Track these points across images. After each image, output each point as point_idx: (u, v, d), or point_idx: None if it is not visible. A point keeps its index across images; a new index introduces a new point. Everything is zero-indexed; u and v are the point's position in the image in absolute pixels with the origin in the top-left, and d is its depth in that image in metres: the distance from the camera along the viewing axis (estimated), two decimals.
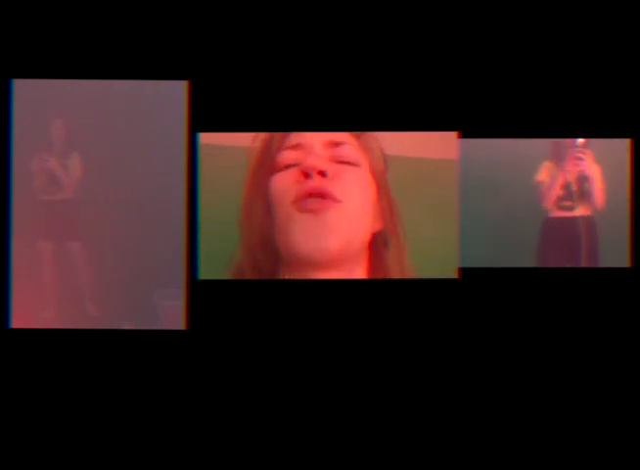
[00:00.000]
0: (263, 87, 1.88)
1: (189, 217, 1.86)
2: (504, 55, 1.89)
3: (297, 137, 1.65)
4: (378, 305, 1.86)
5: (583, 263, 1.90)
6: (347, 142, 1.65)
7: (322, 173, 1.57)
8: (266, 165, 1.64)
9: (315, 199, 1.56)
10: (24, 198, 1.87)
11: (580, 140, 1.89)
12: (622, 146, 1.90)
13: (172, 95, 1.87)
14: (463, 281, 1.86)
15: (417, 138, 1.86)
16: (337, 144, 1.64)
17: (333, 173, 1.58)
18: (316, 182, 1.56)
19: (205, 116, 1.87)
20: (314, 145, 1.62)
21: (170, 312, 1.86)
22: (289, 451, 1.86)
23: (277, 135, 1.68)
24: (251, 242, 1.64)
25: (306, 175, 1.57)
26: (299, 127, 1.84)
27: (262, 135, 1.70)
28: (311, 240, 1.54)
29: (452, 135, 1.87)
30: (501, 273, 1.88)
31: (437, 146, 1.87)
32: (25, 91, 1.87)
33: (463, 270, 1.86)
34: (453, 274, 1.86)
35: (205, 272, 1.84)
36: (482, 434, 1.86)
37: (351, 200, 1.58)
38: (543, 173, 1.91)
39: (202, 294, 1.86)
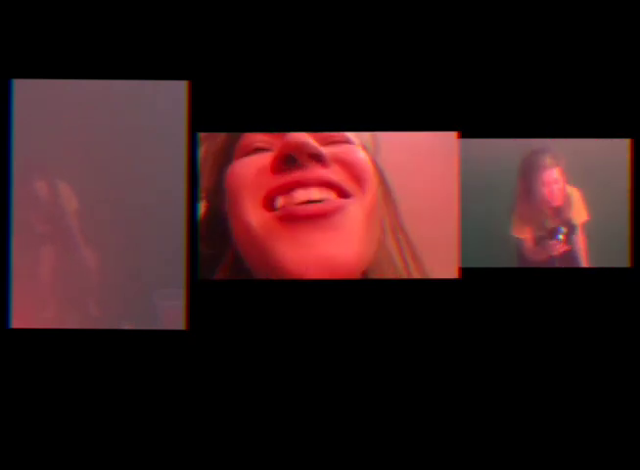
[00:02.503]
0: (263, 87, 1.88)
1: (189, 217, 1.86)
2: (504, 55, 1.89)
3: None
4: (378, 304, 1.86)
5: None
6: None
7: (316, 157, 1.13)
8: (227, 153, 1.27)
9: (309, 192, 1.11)
10: (25, 198, 1.87)
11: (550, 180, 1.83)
12: (622, 146, 1.90)
13: (172, 95, 1.87)
14: (463, 281, 1.86)
15: (417, 138, 1.86)
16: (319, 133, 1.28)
17: (331, 156, 1.16)
18: (309, 170, 1.11)
19: (205, 116, 1.87)
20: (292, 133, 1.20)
21: (170, 312, 1.86)
22: (289, 451, 1.85)
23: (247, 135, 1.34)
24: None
25: (289, 161, 1.10)
26: (299, 127, 1.84)
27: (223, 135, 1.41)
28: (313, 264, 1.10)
29: (452, 135, 1.87)
30: (501, 273, 1.88)
31: (437, 146, 1.87)
32: (25, 91, 1.87)
33: (463, 270, 1.86)
34: (453, 274, 1.86)
35: (206, 272, 1.84)
36: (483, 433, 1.86)
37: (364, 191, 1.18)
38: (518, 229, 1.86)
39: (202, 294, 1.86)
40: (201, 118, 1.87)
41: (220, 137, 1.45)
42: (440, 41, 1.89)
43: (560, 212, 1.86)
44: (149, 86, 1.87)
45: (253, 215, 1.10)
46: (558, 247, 1.84)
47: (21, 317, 1.85)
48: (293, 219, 1.05)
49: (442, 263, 1.86)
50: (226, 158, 1.33)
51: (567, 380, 1.87)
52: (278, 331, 1.86)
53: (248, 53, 1.88)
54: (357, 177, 1.14)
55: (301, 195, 1.08)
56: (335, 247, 1.06)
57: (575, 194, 1.88)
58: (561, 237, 1.84)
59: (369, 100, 1.88)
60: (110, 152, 1.88)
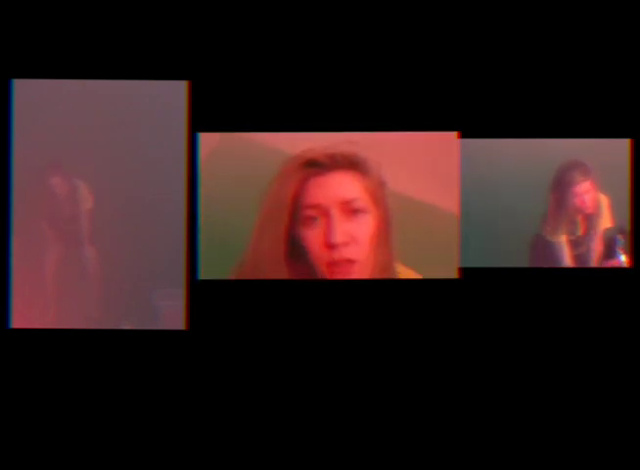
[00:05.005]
0: (263, 87, 1.88)
1: (189, 217, 1.86)
2: (504, 55, 1.89)
3: (312, 197, 1.78)
4: (378, 304, 1.86)
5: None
6: (358, 197, 1.77)
7: (344, 244, 1.75)
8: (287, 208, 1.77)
9: (342, 266, 1.77)
10: (25, 197, 1.87)
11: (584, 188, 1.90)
12: (622, 146, 1.90)
13: (172, 95, 1.87)
14: (463, 281, 1.86)
15: (417, 138, 1.86)
16: (348, 202, 1.77)
17: (350, 238, 1.76)
18: (341, 253, 1.76)
19: (205, 116, 1.87)
20: (330, 209, 1.77)
21: (170, 312, 1.86)
22: (289, 451, 1.85)
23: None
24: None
25: (331, 246, 1.76)
26: (299, 127, 1.85)
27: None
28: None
29: (452, 135, 1.87)
30: (501, 273, 1.88)
31: (437, 146, 1.87)
32: (25, 91, 1.87)
33: (463, 270, 1.86)
34: (453, 274, 1.86)
35: (206, 272, 1.84)
36: (483, 433, 1.86)
37: (366, 255, 1.78)
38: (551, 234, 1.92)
39: (202, 294, 1.86)
40: (201, 118, 1.87)
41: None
42: (440, 42, 1.89)
43: (591, 220, 1.90)
44: (149, 86, 1.87)
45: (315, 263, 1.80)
46: (620, 257, 1.88)
47: (21, 317, 1.85)
48: (333, 275, 1.79)
49: (442, 263, 1.86)
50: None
51: (567, 380, 1.87)
52: (278, 331, 1.86)
53: (247, 53, 1.88)
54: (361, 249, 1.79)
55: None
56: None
57: (604, 201, 1.90)
58: (620, 245, 1.88)
59: (369, 100, 1.88)
60: (110, 152, 1.88)
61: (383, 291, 1.85)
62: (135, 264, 1.87)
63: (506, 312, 1.88)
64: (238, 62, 1.88)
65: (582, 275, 1.89)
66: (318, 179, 1.76)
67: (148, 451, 1.85)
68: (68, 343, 1.85)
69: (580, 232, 1.91)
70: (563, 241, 1.90)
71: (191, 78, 1.87)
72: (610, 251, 1.89)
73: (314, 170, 1.76)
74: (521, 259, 1.90)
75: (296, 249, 1.77)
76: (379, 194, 1.79)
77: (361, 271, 1.77)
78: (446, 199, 1.86)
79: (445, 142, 1.87)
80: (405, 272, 1.83)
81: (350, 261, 1.76)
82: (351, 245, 1.76)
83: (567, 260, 1.90)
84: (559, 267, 1.90)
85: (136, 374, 1.85)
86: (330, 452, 1.85)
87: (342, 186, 1.77)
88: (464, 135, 1.88)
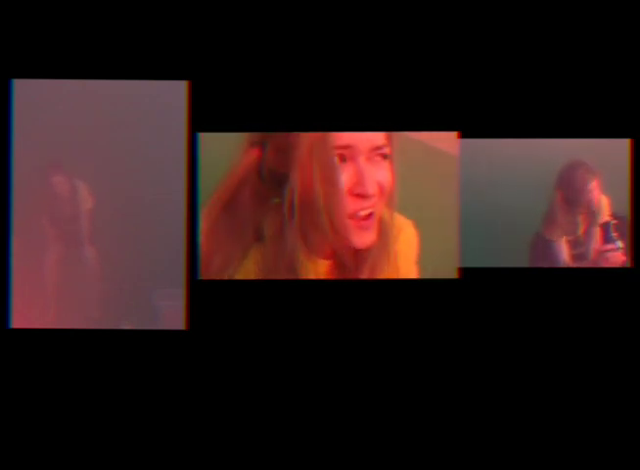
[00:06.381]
0: (263, 87, 1.88)
1: (189, 217, 1.86)
2: (504, 55, 1.89)
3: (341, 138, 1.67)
4: (378, 304, 1.86)
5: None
6: (387, 143, 1.69)
7: (374, 195, 1.66)
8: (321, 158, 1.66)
9: (367, 219, 1.66)
10: (25, 197, 1.87)
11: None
12: (622, 146, 1.90)
13: (172, 95, 1.87)
14: (463, 281, 1.87)
15: (417, 138, 1.86)
16: (379, 147, 1.67)
17: (379, 188, 1.67)
18: (370, 203, 1.65)
19: (205, 116, 1.87)
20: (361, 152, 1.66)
21: (170, 312, 1.86)
22: (289, 451, 1.86)
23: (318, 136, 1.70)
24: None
25: (362, 196, 1.65)
26: (299, 127, 1.85)
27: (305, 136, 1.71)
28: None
29: (452, 135, 1.87)
30: (501, 273, 1.88)
31: (438, 146, 1.87)
32: (25, 91, 1.87)
33: (463, 270, 1.87)
34: (453, 274, 1.86)
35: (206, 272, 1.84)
36: (483, 433, 1.86)
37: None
38: (551, 233, 1.91)
39: (202, 294, 1.86)
40: (201, 118, 1.87)
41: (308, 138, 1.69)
42: (441, 42, 1.89)
43: (592, 217, 1.89)
44: (149, 86, 1.87)
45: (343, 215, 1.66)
46: (617, 254, 1.88)
47: (21, 317, 1.85)
48: (360, 228, 1.67)
49: (442, 263, 1.86)
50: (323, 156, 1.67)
51: (567, 380, 1.87)
52: (278, 331, 1.86)
53: (248, 53, 1.88)
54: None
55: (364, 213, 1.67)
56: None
57: (605, 201, 1.90)
58: (620, 244, 1.88)
59: (369, 100, 1.88)
60: (110, 152, 1.88)
61: (383, 291, 1.85)
62: (135, 264, 1.87)
63: (506, 312, 1.88)
64: (238, 62, 1.88)
65: (582, 275, 1.89)
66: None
67: (148, 451, 1.85)
68: (68, 343, 1.85)
69: (580, 232, 1.91)
70: (563, 241, 1.90)
71: (191, 78, 1.87)
72: (605, 236, 1.89)
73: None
74: (521, 259, 1.90)
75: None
76: (394, 142, 1.72)
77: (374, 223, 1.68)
78: (446, 199, 1.86)
79: (445, 142, 1.87)
80: (405, 225, 1.79)
81: (372, 213, 1.67)
82: (378, 195, 1.67)
83: (567, 260, 1.90)
84: (559, 267, 1.90)
85: (136, 374, 1.85)
86: (330, 452, 1.85)
87: (371, 133, 1.69)
88: (464, 135, 1.88)
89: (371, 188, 1.65)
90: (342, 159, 1.64)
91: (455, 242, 1.86)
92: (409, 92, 1.88)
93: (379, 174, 1.67)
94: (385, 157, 1.67)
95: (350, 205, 1.66)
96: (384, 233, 1.71)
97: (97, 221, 1.89)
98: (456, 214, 1.86)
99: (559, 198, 1.89)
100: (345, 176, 1.64)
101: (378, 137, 1.68)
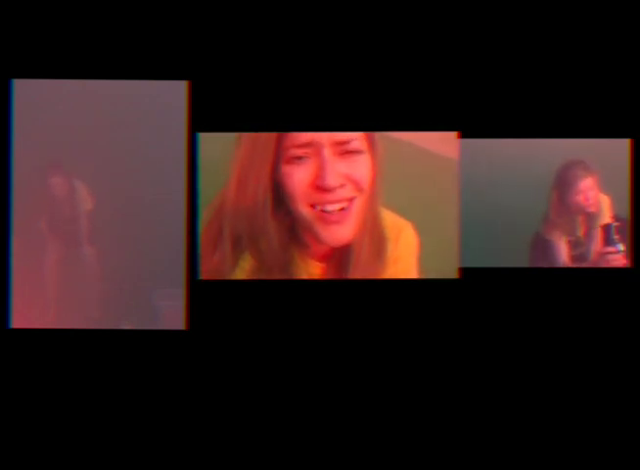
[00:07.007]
0: (263, 87, 1.88)
1: (189, 217, 1.86)
2: (504, 55, 1.89)
3: (304, 136, 1.72)
4: (378, 304, 1.86)
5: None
6: (354, 138, 1.72)
7: (340, 186, 1.68)
8: (269, 159, 1.69)
9: (337, 211, 1.68)
10: (25, 197, 1.87)
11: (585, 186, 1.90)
12: (622, 146, 1.90)
13: (172, 95, 1.87)
14: (463, 281, 1.87)
15: (417, 138, 1.86)
16: (344, 143, 1.71)
17: (345, 180, 1.69)
18: (336, 197, 1.68)
19: (205, 116, 1.87)
20: (323, 147, 1.69)
21: (170, 312, 1.86)
22: (289, 451, 1.86)
23: (276, 135, 1.73)
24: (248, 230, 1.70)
25: (325, 190, 1.67)
26: (299, 127, 1.85)
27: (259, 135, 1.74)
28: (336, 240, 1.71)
29: (452, 135, 1.87)
30: (501, 273, 1.88)
31: (437, 146, 1.87)
32: (25, 91, 1.87)
33: (463, 270, 1.86)
34: (453, 274, 1.86)
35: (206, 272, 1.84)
36: (483, 433, 1.86)
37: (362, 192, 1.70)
38: (550, 233, 1.91)
39: (202, 294, 1.86)
40: (201, 118, 1.87)
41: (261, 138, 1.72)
42: (441, 41, 1.89)
43: (592, 219, 1.89)
44: (149, 86, 1.87)
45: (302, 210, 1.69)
46: (618, 257, 1.88)
47: (21, 317, 1.85)
48: (328, 223, 1.70)
49: (442, 263, 1.86)
50: (270, 158, 1.69)
51: (567, 380, 1.87)
52: (277, 331, 1.86)
53: (247, 53, 1.88)
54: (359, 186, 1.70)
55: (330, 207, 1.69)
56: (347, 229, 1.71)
57: (605, 201, 1.89)
58: (621, 247, 1.88)
59: (369, 100, 1.88)
60: (110, 152, 1.88)
61: (383, 291, 1.85)
62: (135, 264, 1.87)
63: (506, 312, 1.88)
64: (238, 62, 1.88)
65: (582, 275, 1.89)
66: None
67: (148, 451, 1.85)
68: (68, 343, 1.85)
69: (581, 232, 1.91)
70: (563, 241, 1.90)
71: (191, 78, 1.87)
72: (607, 239, 1.89)
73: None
74: (521, 259, 1.90)
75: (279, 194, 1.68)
76: (374, 139, 1.74)
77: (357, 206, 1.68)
78: (446, 198, 1.86)
79: (445, 142, 1.87)
80: (405, 227, 1.79)
81: (344, 209, 1.67)
82: (348, 186, 1.68)
83: (566, 260, 1.90)
84: (559, 267, 1.90)
85: (136, 374, 1.85)
86: (330, 452, 1.85)
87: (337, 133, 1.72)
88: (464, 135, 1.88)
89: (333, 181, 1.66)
90: (300, 158, 1.68)
91: (455, 242, 1.86)
92: (409, 92, 1.88)
93: (349, 168, 1.69)
94: (357, 152, 1.69)
95: (312, 198, 1.68)
96: (370, 231, 1.72)
97: (97, 221, 1.89)
98: (456, 215, 1.86)
99: (555, 197, 1.90)
100: (307, 171, 1.67)
101: (344, 134, 1.72)
